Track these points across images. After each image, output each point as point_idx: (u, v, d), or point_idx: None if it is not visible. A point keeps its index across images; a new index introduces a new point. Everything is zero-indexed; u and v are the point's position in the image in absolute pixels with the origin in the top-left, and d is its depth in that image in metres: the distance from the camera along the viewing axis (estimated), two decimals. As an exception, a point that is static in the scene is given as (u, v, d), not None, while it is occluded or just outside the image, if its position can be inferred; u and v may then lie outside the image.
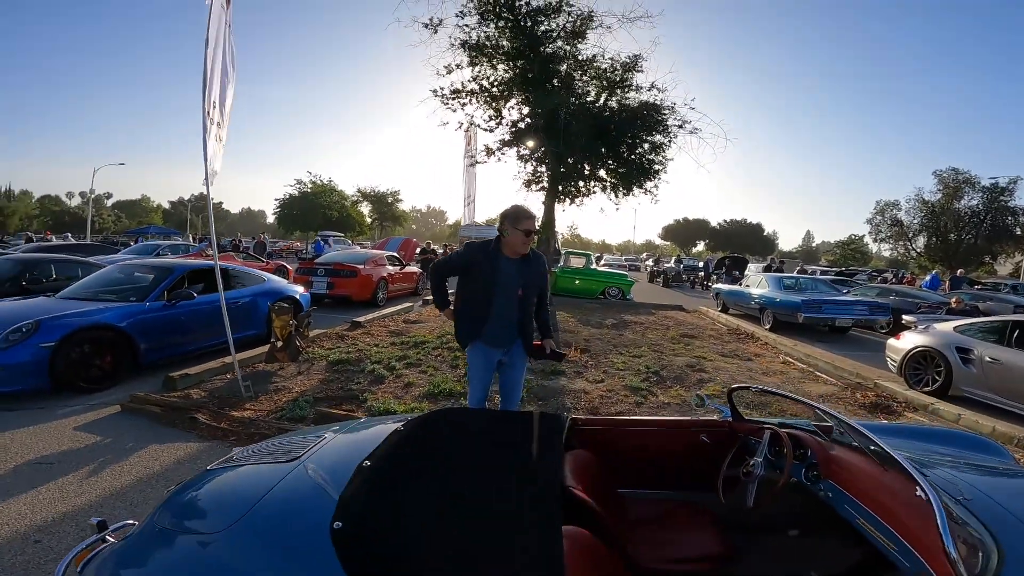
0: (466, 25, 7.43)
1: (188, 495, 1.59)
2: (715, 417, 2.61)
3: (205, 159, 4.67)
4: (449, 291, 3.45)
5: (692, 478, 2.44)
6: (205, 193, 4.95)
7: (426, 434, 1.81)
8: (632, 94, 8.10)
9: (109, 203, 78.00)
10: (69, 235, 37.49)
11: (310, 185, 41.45)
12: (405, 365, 6.22)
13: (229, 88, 5.37)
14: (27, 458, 3.58)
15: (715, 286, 16.87)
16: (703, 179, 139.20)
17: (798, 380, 6.81)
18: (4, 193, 62.53)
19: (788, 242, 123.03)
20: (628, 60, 7.91)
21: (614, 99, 8.12)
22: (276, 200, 41.39)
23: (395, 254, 15.03)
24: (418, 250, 19.41)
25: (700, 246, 78.51)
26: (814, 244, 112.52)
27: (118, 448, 3.80)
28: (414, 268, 14.88)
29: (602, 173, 8.69)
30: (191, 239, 29.22)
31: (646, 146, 8.30)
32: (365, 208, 46.52)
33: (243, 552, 1.25)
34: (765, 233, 73.54)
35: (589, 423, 2.41)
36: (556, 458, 1.78)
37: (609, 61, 7.94)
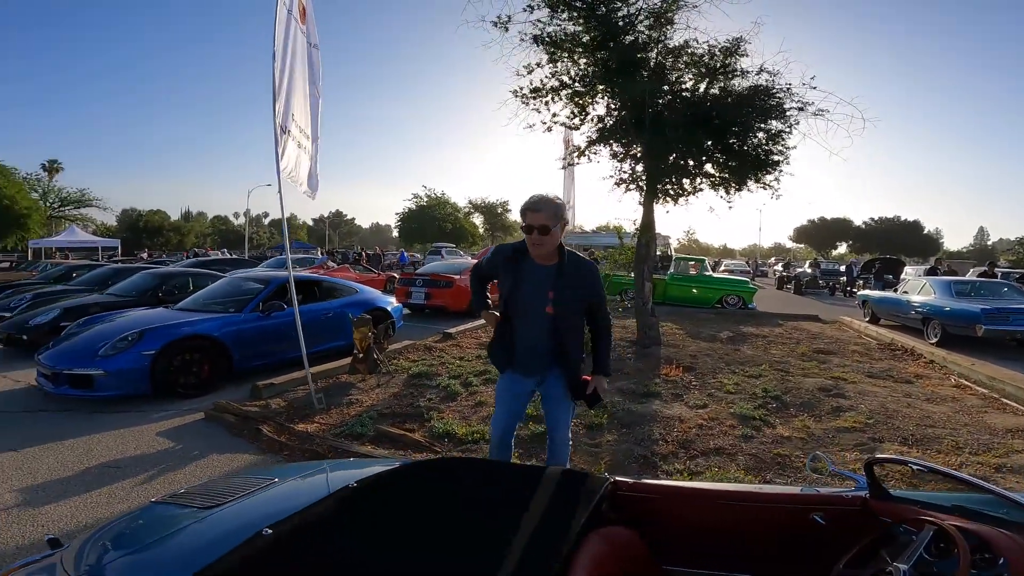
0: (538, 20, 6.97)
1: (106, 531, 1.43)
2: (841, 490, 1.80)
3: (278, 170, 4.69)
4: None
5: (786, 571, 1.66)
6: (280, 208, 5.00)
7: (384, 497, 1.36)
8: (737, 80, 7.10)
9: (266, 221, 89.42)
10: (225, 250, 43.17)
11: (425, 199, 43.72)
12: (483, 381, 5.83)
13: (319, 102, 5.45)
14: (101, 461, 3.79)
15: (862, 293, 14.51)
16: (841, 172, 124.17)
17: (977, 410, 5.28)
18: (183, 215, 74.41)
19: (956, 241, 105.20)
20: (728, 44, 6.95)
21: (716, 86, 7.15)
22: (397, 214, 44.27)
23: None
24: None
25: (841, 248, 69.87)
26: (989, 242, 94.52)
27: (183, 456, 3.88)
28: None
29: (709, 168, 7.71)
30: (319, 252, 32.15)
31: (760, 135, 7.21)
32: (477, 219, 48.00)
33: None
34: (925, 232, 63.46)
35: (640, 489, 1.75)
36: (565, 539, 1.21)
37: (705, 46, 7.03)
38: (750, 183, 7.41)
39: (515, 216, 52.66)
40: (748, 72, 7.01)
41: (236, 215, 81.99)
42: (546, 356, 2.48)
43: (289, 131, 4.81)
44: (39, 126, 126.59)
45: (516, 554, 1.18)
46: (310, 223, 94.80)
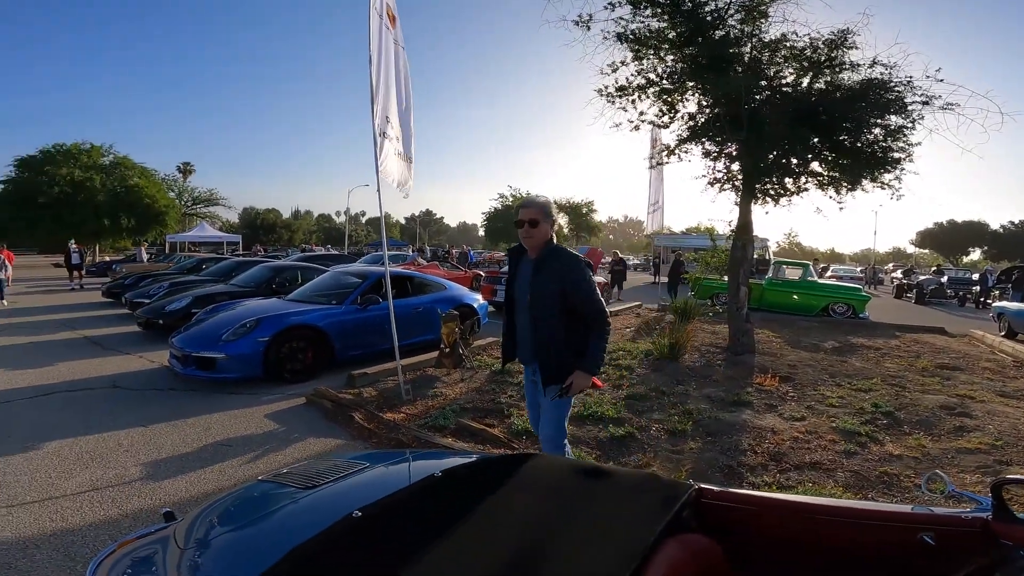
0: (620, 18, 6.80)
1: (214, 507, 1.57)
2: (958, 510, 1.61)
3: (377, 171, 4.98)
4: None
5: None
6: (379, 207, 5.29)
7: (466, 487, 1.42)
8: (847, 74, 6.52)
9: (363, 220, 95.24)
10: (329, 247, 46.42)
11: (511, 198, 44.25)
12: (564, 380, 5.84)
13: (410, 105, 5.71)
14: (216, 439, 4.22)
15: (997, 304, 12.75)
16: (975, 170, 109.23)
17: None
18: (293, 213, 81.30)
19: None
20: (833, 36, 6.39)
21: (821, 80, 6.61)
22: (483, 213, 45.21)
23: (580, 263, 14.80)
24: (606, 260, 18.94)
25: (974, 254, 61.69)
26: None
27: (284, 438, 4.24)
28: (600, 278, 14.45)
29: (816, 166, 7.15)
30: (410, 250, 33.76)
31: (877, 131, 6.57)
32: (562, 220, 47.77)
33: (189, 571, 1.20)
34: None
35: (726, 498, 1.68)
36: (644, 543, 1.20)
37: (806, 39, 6.51)
38: (865, 182, 6.77)
39: (601, 217, 51.93)
40: (859, 65, 6.45)
41: (337, 213, 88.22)
42: (530, 346, 2.59)
43: (386, 133, 5.10)
44: (174, 131, 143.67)
45: (592, 553, 1.19)
46: (402, 222, 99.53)
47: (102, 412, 4.74)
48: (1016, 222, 57.43)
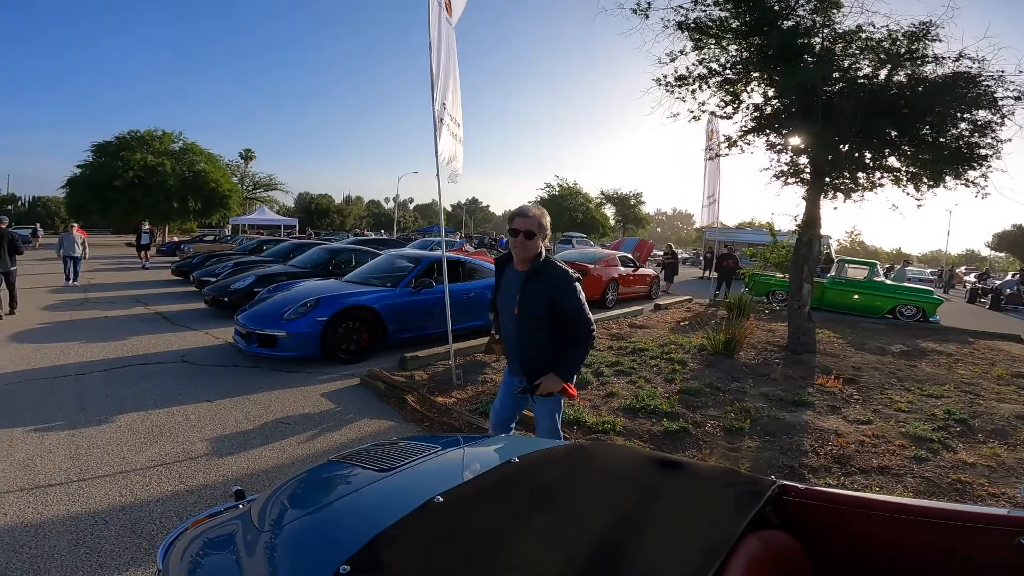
0: (680, 7, 6.56)
1: (289, 487, 1.56)
2: None
3: (436, 157, 5.02)
4: None
5: None
6: (438, 193, 5.35)
7: (545, 474, 1.40)
8: (930, 67, 6.10)
9: (411, 206, 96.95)
10: (382, 231, 47.56)
11: (557, 188, 43.86)
12: (615, 372, 5.77)
13: (459, 90, 5.70)
14: (277, 416, 4.35)
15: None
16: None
17: None
18: (345, 198, 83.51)
19: None
20: (914, 28, 5.97)
21: (901, 73, 6.21)
22: (529, 202, 45.01)
23: (628, 255, 14.56)
24: (656, 252, 18.52)
25: (1061, 258, 56.65)
26: None
27: (341, 418, 4.35)
28: (649, 270, 14.18)
29: (893, 161, 6.73)
30: (457, 236, 34.09)
31: (963, 125, 6.13)
32: (609, 210, 47.03)
33: (268, 554, 1.18)
34: None
35: (810, 496, 1.60)
36: (726, 539, 1.17)
37: (884, 31, 6.11)
38: (948, 179, 6.33)
39: (648, 208, 50.74)
40: (944, 58, 6.02)
41: (386, 200, 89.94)
42: (516, 355, 2.61)
43: (444, 120, 5.12)
44: (236, 119, 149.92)
45: (675, 548, 1.16)
46: (448, 209, 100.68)
47: (172, 387, 4.96)
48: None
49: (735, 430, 4.20)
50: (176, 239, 28.77)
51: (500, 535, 1.14)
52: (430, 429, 4.07)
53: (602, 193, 47.17)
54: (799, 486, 1.59)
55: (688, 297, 13.42)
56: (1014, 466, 3.75)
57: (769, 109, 6.79)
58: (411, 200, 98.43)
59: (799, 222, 7.30)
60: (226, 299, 8.49)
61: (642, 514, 1.29)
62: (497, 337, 2.94)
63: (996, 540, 1.45)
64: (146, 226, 18.53)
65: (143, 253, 17.77)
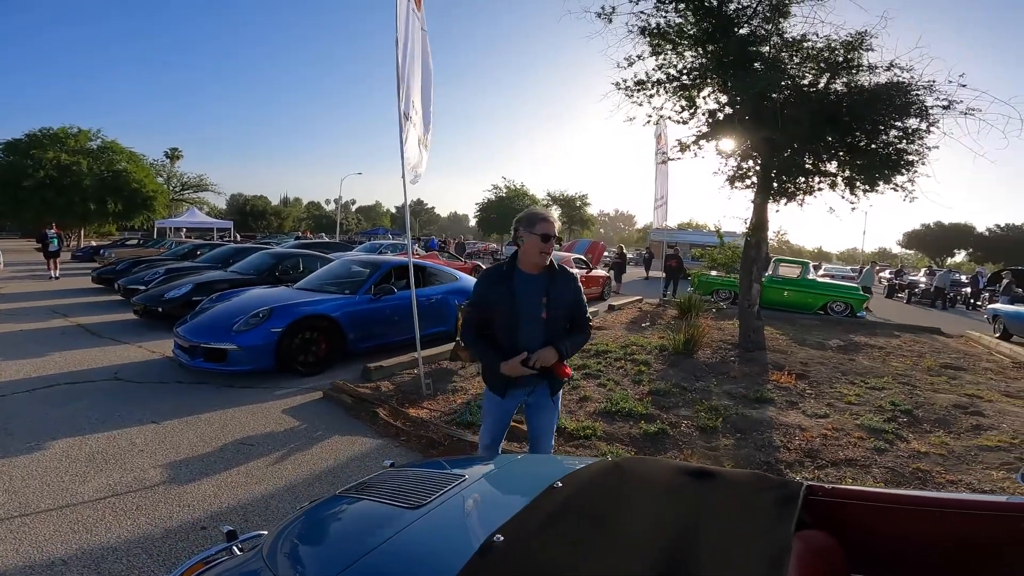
0: (642, 12, 6.75)
1: (305, 527, 1.40)
2: None
3: (402, 157, 4.84)
4: None
5: None
6: (404, 194, 5.16)
7: (589, 500, 1.32)
8: (864, 75, 6.54)
9: (354, 208, 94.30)
10: (324, 235, 45.80)
11: (504, 190, 44.03)
12: (583, 375, 5.78)
13: (431, 90, 5.55)
14: (236, 437, 4.01)
15: (993, 307, 12.95)
16: (973, 175, 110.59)
17: None
18: (282, 200, 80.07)
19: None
20: (850, 38, 6.41)
21: (838, 82, 6.62)
22: (476, 204, 44.97)
23: (582, 257, 14.77)
24: (607, 254, 18.91)
25: (959, 256, 62.82)
26: None
27: (308, 436, 4.07)
28: (601, 272, 14.42)
29: (831, 167, 7.15)
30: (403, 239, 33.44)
31: (894, 132, 6.59)
32: (556, 212, 47.66)
33: None
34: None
35: (836, 495, 1.63)
36: (783, 544, 1.15)
37: (824, 40, 6.51)
38: (880, 184, 6.79)
39: (593, 209, 51.80)
40: (876, 67, 6.47)
41: (327, 201, 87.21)
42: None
43: (410, 117, 4.95)
44: (161, 116, 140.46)
45: (739, 556, 1.12)
46: (393, 211, 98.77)
47: (108, 407, 4.49)
48: (1002, 225, 58.38)
49: (709, 429, 4.30)
50: (94, 243, 26.56)
51: (571, 570, 1.06)
52: (407, 443, 3.89)
53: (548, 195, 47.76)
54: (824, 485, 1.61)
55: (639, 297, 13.76)
56: (962, 454, 4.03)
57: (722, 115, 7.04)
58: (353, 201, 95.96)
59: (748, 225, 7.61)
60: (160, 309, 7.86)
61: (694, 527, 1.25)
62: (463, 344, 2.81)
63: (1005, 525, 1.51)
64: (52, 230, 15.23)
65: (51, 261, 14.83)
